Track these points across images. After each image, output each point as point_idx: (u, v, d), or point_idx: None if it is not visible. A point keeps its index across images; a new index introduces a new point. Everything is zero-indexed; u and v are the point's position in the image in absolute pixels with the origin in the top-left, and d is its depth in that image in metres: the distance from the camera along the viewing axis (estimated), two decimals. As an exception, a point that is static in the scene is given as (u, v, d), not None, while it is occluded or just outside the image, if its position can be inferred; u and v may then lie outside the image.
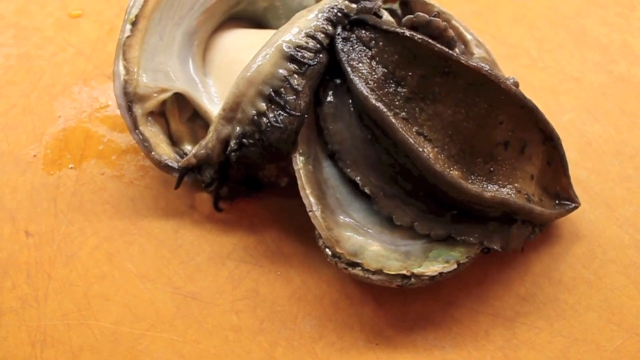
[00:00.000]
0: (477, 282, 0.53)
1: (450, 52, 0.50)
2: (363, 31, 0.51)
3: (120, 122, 0.60)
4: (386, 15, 0.53)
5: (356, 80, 0.50)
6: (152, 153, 0.54)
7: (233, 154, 0.51)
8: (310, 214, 0.50)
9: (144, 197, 0.57)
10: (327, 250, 0.50)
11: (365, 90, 0.49)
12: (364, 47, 0.50)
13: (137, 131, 0.54)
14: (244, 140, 0.51)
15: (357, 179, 0.50)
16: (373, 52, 0.50)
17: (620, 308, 0.53)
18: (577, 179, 0.58)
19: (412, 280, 0.49)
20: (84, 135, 0.60)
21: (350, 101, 0.51)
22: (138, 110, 0.54)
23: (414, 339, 0.51)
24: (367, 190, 0.50)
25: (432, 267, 0.49)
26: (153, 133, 0.55)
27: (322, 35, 0.51)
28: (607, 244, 0.55)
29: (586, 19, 0.68)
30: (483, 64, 0.51)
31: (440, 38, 0.52)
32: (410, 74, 0.50)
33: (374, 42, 0.50)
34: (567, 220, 0.56)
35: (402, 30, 0.51)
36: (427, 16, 0.52)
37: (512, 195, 0.50)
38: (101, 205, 0.57)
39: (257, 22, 0.60)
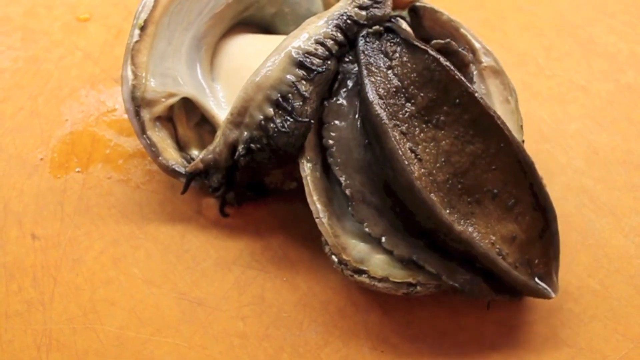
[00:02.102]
0: (483, 291, 0.53)
1: (468, 84, 0.50)
2: (388, 41, 0.51)
3: (128, 126, 0.60)
4: (405, 25, 0.53)
5: (368, 84, 0.50)
6: (160, 158, 0.54)
7: (242, 158, 0.51)
8: (317, 220, 0.50)
9: (151, 201, 0.57)
10: (333, 257, 0.50)
11: (372, 95, 0.49)
12: (385, 56, 0.50)
13: (144, 136, 0.54)
14: (252, 145, 0.51)
15: (342, 178, 0.50)
16: (393, 63, 0.50)
17: (626, 318, 0.52)
18: (584, 188, 0.58)
19: (418, 288, 0.49)
20: (91, 139, 0.60)
21: (358, 104, 0.51)
22: (146, 115, 0.54)
23: (420, 347, 0.51)
24: (347, 192, 0.50)
25: (439, 276, 0.49)
26: (160, 138, 0.55)
27: (332, 42, 0.51)
28: (613, 253, 0.55)
29: (594, 28, 0.68)
30: (494, 110, 0.50)
31: (460, 71, 0.51)
32: (422, 94, 0.50)
33: (397, 54, 0.50)
34: (573, 230, 0.56)
35: (432, 52, 0.50)
36: (457, 45, 0.52)
37: (483, 244, 0.48)
38: (107, 210, 0.57)
39: (265, 27, 0.60)
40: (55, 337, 0.51)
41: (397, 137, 0.48)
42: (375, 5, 0.52)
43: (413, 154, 0.49)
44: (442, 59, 0.50)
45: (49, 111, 0.62)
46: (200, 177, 0.54)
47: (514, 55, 0.66)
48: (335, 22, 0.52)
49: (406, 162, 0.48)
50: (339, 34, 0.51)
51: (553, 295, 0.49)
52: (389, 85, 0.50)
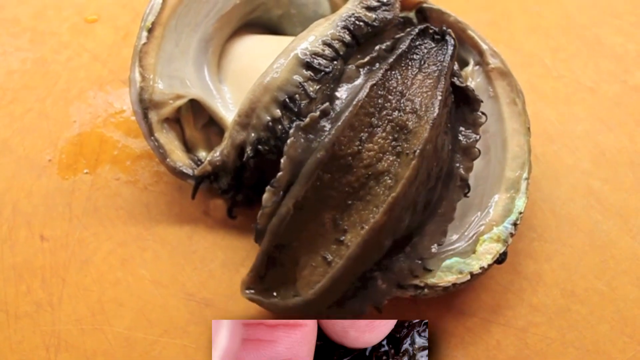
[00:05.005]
0: (490, 292, 0.53)
1: (419, 151, 0.47)
2: (434, 57, 0.50)
3: (135, 128, 0.60)
4: (451, 44, 0.52)
5: (383, 70, 0.49)
6: (167, 159, 0.55)
7: (250, 160, 0.52)
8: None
9: (158, 202, 0.57)
10: (340, 258, 0.50)
11: (373, 79, 0.49)
12: (420, 63, 0.50)
13: (152, 138, 0.54)
14: (259, 146, 0.51)
15: (308, 119, 0.49)
16: (419, 75, 0.50)
17: (633, 320, 0.52)
18: (591, 190, 0.58)
19: (426, 290, 0.49)
20: (99, 140, 0.61)
21: None
22: (154, 116, 0.54)
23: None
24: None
25: (446, 278, 0.49)
26: (168, 139, 0.55)
27: (339, 43, 0.51)
28: (620, 255, 0.55)
29: (601, 29, 0.68)
30: (405, 193, 0.47)
31: (468, 127, 0.51)
32: (407, 115, 0.49)
33: (428, 70, 0.50)
34: (580, 231, 0.56)
35: (439, 102, 0.49)
36: (479, 108, 0.51)
37: (275, 237, 0.47)
38: (115, 211, 0.57)
39: (272, 29, 0.60)
40: (63, 338, 0.51)
41: (361, 118, 0.48)
42: (384, 8, 0.52)
43: (359, 142, 0.48)
44: (437, 112, 0.48)
45: (57, 112, 0.62)
46: (209, 179, 0.54)
47: (521, 56, 0.66)
48: (343, 23, 0.52)
49: (336, 134, 0.47)
50: (346, 35, 0.51)
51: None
52: (398, 84, 0.50)
